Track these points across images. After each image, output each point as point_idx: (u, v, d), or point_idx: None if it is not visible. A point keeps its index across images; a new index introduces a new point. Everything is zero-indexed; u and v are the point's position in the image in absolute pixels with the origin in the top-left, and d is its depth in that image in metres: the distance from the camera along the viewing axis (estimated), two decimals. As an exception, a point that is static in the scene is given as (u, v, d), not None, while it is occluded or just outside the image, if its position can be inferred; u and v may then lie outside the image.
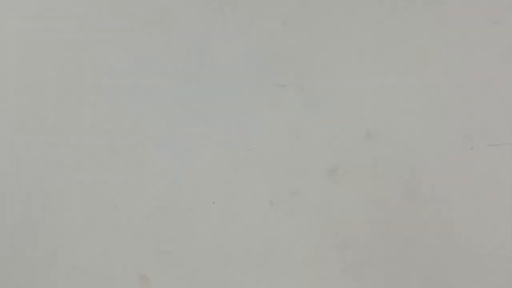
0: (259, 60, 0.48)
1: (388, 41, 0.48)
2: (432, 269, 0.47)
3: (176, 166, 0.48)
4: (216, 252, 0.47)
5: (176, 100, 0.48)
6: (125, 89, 0.49)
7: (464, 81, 0.48)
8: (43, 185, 0.48)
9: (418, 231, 0.47)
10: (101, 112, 0.48)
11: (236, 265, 0.46)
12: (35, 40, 0.51)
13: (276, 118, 0.48)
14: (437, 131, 0.48)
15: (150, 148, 0.48)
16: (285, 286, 0.48)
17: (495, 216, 0.47)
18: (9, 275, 0.48)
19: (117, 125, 0.48)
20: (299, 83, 0.48)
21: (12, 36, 0.51)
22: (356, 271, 0.47)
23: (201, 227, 0.47)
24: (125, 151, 0.48)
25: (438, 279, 0.47)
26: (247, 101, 0.49)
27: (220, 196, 0.46)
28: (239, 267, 0.46)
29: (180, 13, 0.49)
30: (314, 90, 0.48)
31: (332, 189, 0.48)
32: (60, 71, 0.50)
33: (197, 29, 0.49)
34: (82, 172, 0.48)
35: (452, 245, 0.47)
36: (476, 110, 0.48)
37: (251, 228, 0.47)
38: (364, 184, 0.47)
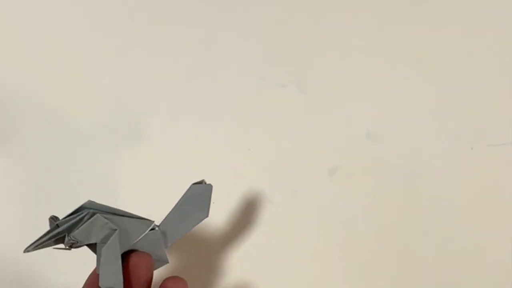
0: (259, 60, 0.48)
1: (388, 41, 0.48)
2: (432, 269, 0.47)
3: (176, 166, 0.48)
4: (215, 252, 0.46)
5: (176, 100, 0.48)
6: (126, 88, 0.48)
7: (464, 80, 0.48)
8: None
9: (418, 231, 0.47)
10: (101, 112, 0.48)
11: (236, 265, 0.46)
12: (35, 41, 0.50)
13: (276, 118, 0.48)
14: (437, 131, 0.48)
15: (149, 148, 0.48)
16: (285, 286, 0.48)
17: (495, 216, 0.47)
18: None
19: (117, 124, 0.48)
20: (299, 83, 0.48)
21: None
22: (356, 271, 0.47)
23: (201, 227, 0.47)
24: (125, 150, 0.48)
25: (438, 279, 0.47)
26: (247, 101, 0.49)
27: (220, 196, 0.45)
28: (238, 267, 0.46)
29: (179, 12, 0.49)
30: (314, 90, 0.48)
31: (332, 189, 0.48)
32: (59, 70, 0.50)
33: (196, 29, 0.49)
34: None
35: (452, 245, 0.47)
36: (476, 109, 0.48)
37: (250, 228, 0.47)
38: (364, 184, 0.48)
